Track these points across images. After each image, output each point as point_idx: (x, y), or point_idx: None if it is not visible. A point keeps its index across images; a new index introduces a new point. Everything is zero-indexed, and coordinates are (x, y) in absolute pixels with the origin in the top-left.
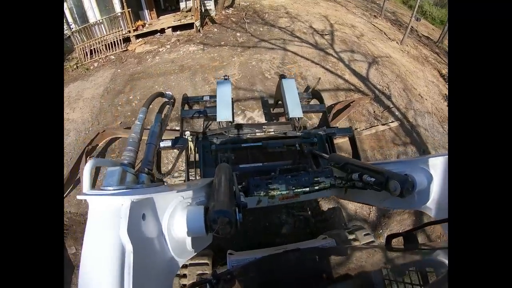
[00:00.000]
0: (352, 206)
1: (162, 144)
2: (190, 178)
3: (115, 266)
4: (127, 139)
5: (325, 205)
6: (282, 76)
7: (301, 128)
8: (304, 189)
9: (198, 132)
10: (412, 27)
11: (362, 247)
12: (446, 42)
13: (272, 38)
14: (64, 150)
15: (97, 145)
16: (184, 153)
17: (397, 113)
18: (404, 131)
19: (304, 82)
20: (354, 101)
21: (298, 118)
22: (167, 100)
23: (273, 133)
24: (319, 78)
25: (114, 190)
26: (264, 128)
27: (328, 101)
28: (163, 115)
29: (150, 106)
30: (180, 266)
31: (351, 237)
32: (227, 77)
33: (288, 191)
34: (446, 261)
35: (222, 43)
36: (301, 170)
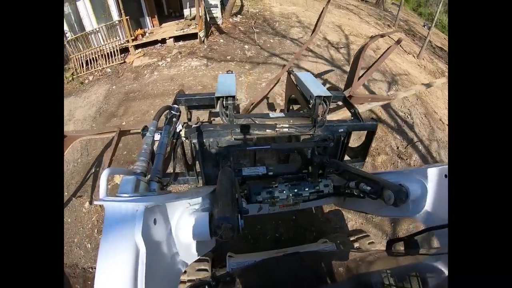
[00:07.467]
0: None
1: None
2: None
3: (130, 265)
4: (139, 150)
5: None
6: (292, 71)
7: (324, 122)
8: (303, 197)
9: (192, 125)
10: (425, 37)
11: (362, 251)
12: None
13: (284, 52)
14: None
15: None
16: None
17: (420, 147)
18: None
19: None
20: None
21: (325, 101)
22: (174, 113)
23: (287, 130)
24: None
25: (129, 197)
26: (278, 125)
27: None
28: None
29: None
30: (186, 267)
31: (351, 240)
32: (230, 72)
33: (288, 199)
34: (447, 267)
35: (228, 57)
36: (302, 179)
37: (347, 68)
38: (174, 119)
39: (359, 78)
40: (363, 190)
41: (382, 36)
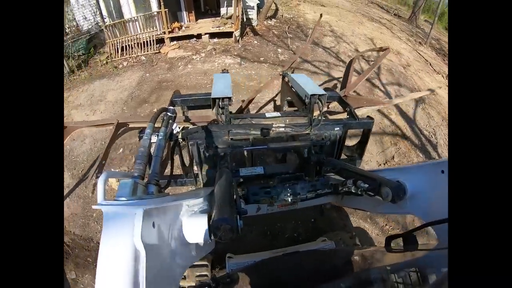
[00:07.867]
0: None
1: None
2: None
3: (130, 269)
4: (136, 152)
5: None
6: (285, 74)
7: (320, 120)
8: (301, 197)
9: (188, 126)
10: None
11: (361, 248)
12: None
13: (316, 59)
14: (77, 159)
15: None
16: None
17: None
18: None
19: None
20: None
21: (320, 100)
22: (170, 115)
23: (283, 129)
24: (321, 15)
25: (127, 200)
26: (274, 125)
27: (373, 147)
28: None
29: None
30: (186, 270)
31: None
32: (226, 71)
33: (286, 199)
34: (446, 261)
35: (262, 59)
36: (300, 179)
37: (376, 82)
38: (170, 121)
39: (357, 79)
40: (361, 188)
41: (379, 49)
